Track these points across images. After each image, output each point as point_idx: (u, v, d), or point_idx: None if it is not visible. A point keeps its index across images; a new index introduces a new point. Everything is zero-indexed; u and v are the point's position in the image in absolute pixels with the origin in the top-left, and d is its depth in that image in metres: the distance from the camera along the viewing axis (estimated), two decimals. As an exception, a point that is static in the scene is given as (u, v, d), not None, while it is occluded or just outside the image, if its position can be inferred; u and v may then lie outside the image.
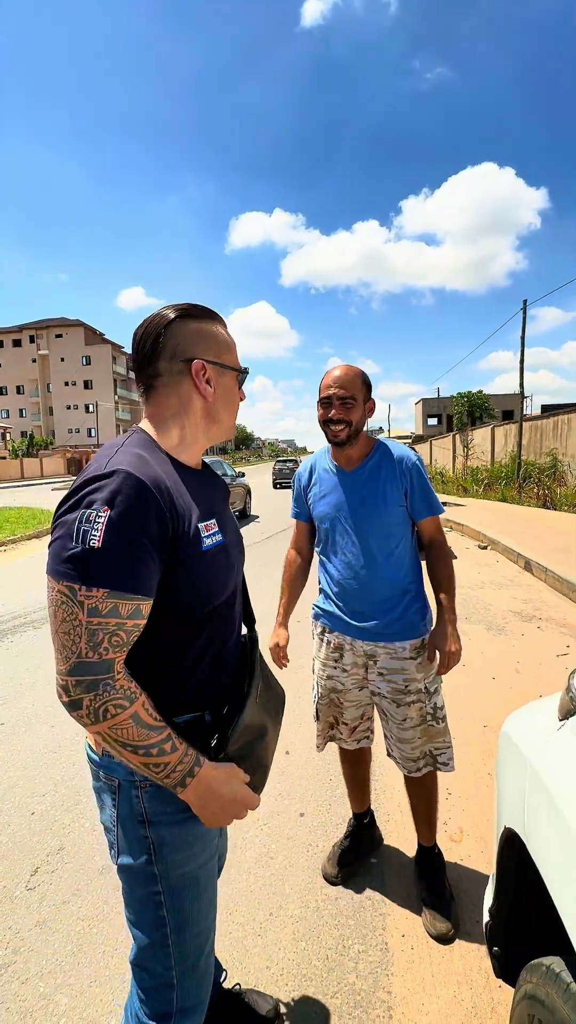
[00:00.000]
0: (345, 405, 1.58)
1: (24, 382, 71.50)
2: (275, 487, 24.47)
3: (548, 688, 3.30)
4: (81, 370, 69.59)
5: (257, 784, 1.01)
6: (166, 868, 0.91)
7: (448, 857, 1.91)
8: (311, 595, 1.84)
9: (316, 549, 1.82)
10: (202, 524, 0.91)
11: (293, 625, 2.04)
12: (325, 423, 1.62)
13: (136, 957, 0.97)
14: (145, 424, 0.97)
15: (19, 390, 72.01)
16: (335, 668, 1.74)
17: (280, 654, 1.82)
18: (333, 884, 1.81)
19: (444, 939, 1.58)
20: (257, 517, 12.92)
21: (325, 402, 1.62)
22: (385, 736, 1.76)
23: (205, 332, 0.96)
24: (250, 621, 1.22)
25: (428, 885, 1.72)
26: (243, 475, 13.69)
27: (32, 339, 70.60)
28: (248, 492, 12.99)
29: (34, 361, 70.66)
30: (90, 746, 0.96)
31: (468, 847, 1.98)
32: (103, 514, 0.76)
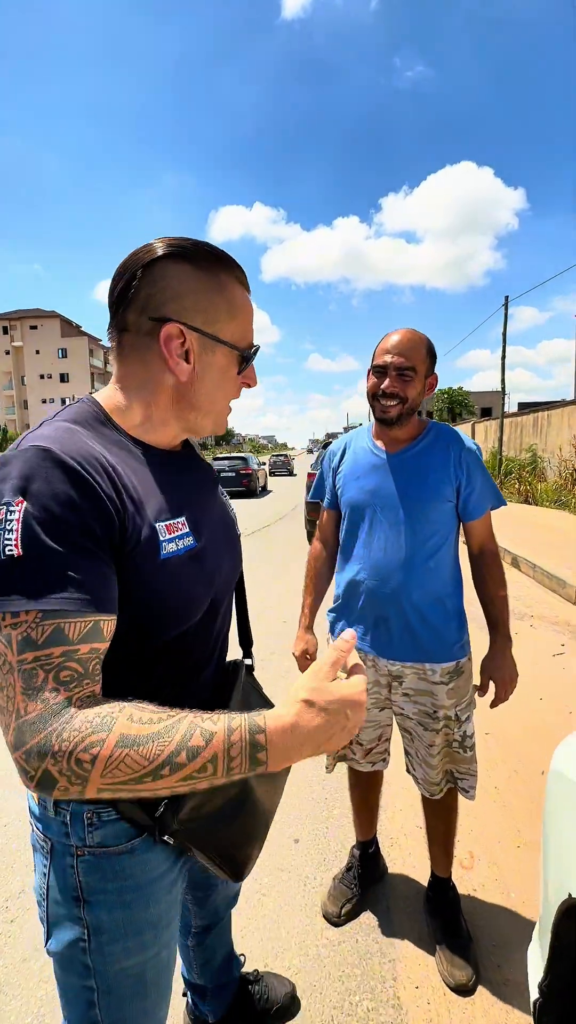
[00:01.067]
0: (403, 377, 1.34)
1: (-3, 374, 69.47)
2: (269, 475, 27.30)
3: (548, 689, 3.16)
4: (57, 363, 67.90)
5: (243, 862, 0.80)
6: (103, 961, 0.71)
7: (459, 885, 1.71)
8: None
9: (340, 540, 1.58)
10: (163, 523, 0.69)
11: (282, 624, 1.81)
12: (375, 396, 1.39)
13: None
14: (104, 391, 0.75)
15: (-8, 383, 69.94)
16: None
17: (309, 662, 1.60)
18: (335, 925, 1.61)
19: (464, 990, 1.39)
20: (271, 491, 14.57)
21: (379, 370, 1.37)
22: (407, 752, 1.55)
23: (199, 285, 0.70)
24: (246, 643, 1.04)
25: (443, 925, 1.53)
26: (264, 464, 16.07)
27: (6, 330, 68.56)
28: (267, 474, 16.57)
29: (8, 353, 68.67)
30: (30, 793, 0.72)
31: (481, 874, 1.80)
32: (16, 508, 0.55)
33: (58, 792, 0.53)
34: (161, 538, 0.67)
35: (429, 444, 1.42)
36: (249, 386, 0.82)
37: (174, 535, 0.70)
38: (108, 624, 0.60)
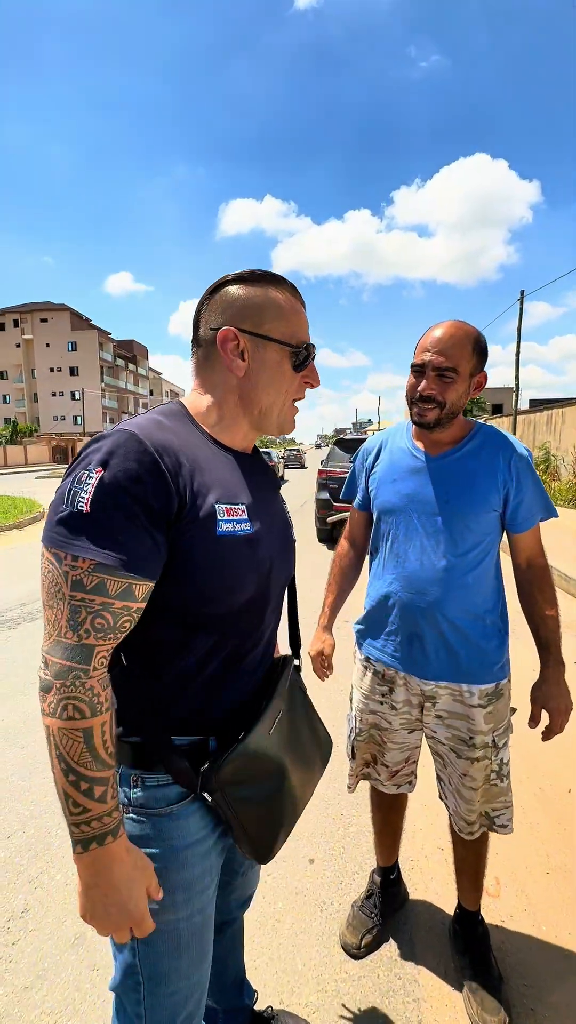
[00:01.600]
0: (443, 378, 1.22)
1: (8, 367, 69.75)
2: (284, 467, 28.88)
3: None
4: (67, 356, 68.02)
5: (270, 844, 0.86)
6: None
7: (485, 915, 1.61)
8: (359, 596, 1.52)
9: (370, 548, 1.47)
10: (223, 505, 0.77)
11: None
12: (412, 399, 1.27)
13: (113, 986, 0.84)
14: (188, 397, 0.88)
15: (3, 375, 70.28)
16: (382, 704, 1.41)
17: (323, 663, 1.51)
18: (355, 958, 1.51)
19: (496, 1036, 1.29)
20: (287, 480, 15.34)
21: (417, 370, 1.25)
22: (439, 779, 1.44)
23: (248, 297, 0.83)
24: (295, 644, 1.09)
25: (472, 963, 1.42)
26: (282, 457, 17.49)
27: (16, 323, 68.75)
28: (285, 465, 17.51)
29: (18, 346, 68.89)
30: None
31: (509, 903, 1.69)
32: (95, 475, 0.68)
33: (40, 697, 0.67)
34: (219, 517, 0.76)
35: (476, 448, 1.30)
36: (312, 385, 0.90)
37: (232, 517, 0.78)
38: (141, 587, 0.70)
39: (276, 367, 0.84)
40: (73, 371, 67.89)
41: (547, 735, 1.33)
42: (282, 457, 30.55)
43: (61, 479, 0.73)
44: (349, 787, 1.56)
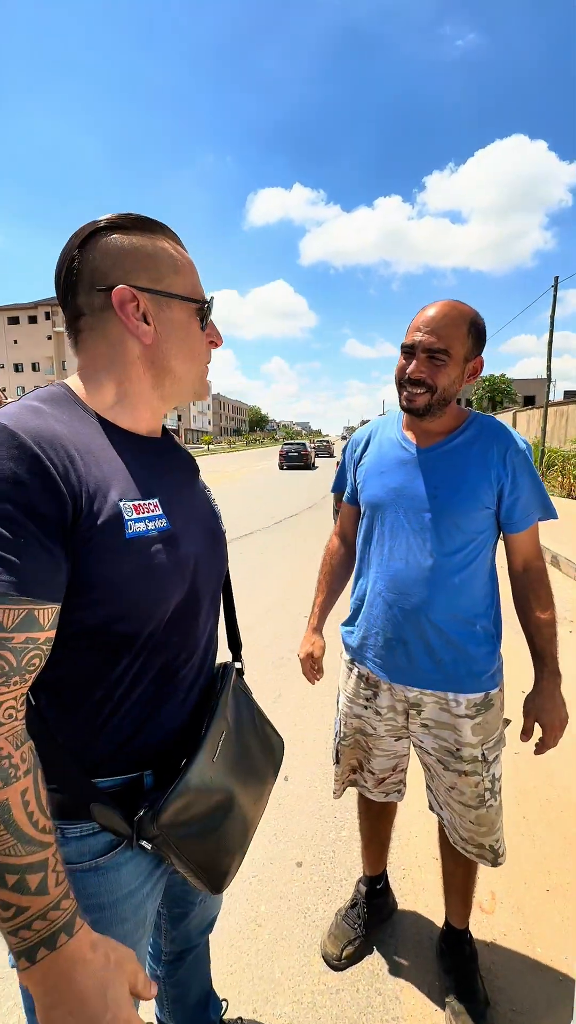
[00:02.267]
0: (433, 360, 1.12)
1: (40, 359, 71.46)
2: (281, 468, 26.06)
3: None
4: (96, 348, 69.25)
5: (223, 873, 0.78)
6: None
7: (477, 931, 1.53)
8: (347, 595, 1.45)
9: (357, 544, 1.39)
10: (129, 502, 0.66)
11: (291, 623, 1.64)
12: (400, 382, 1.18)
13: None
14: (71, 379, 0.73)
15: (35, 367, 72.05)
16: (366, 708, 1.34)
17: (313, 666, 1.45)
18: (335, 969, 1.45)
19: (477, 1065, 1.21)
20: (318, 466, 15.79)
21: (407, 351, 1.16)
22: (428, 788, 1.37)
23: (136, 247, 0.70)
24: (235, 646, 1.00)
25: (456, 985, 1.35)
26: (314, 447, 18.05)
27: (47, 316, 70.25)
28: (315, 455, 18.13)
29: (49, 338, 70.44)
30: None
31: (503, 921, 1.61)
32: None
33: None
34: (127, 516, 0.65)
35: (469, 439, 1.20)
36: (215, 344, 0.80)
37: (143, 515, 0.67)
38: (44, 612, 0.57)
39: (185, 327, 0.74)
40: (102, 362, 69.10)
41: (540, 749, 1.24)
42: (313, 447, 33.53)
43: None
44: (335, 792, 1.49)
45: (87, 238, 0.69)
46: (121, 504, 0.65)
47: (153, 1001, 1.13)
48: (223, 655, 0.91)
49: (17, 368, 72.40)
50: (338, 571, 1.51)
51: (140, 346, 0.71)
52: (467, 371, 1.17)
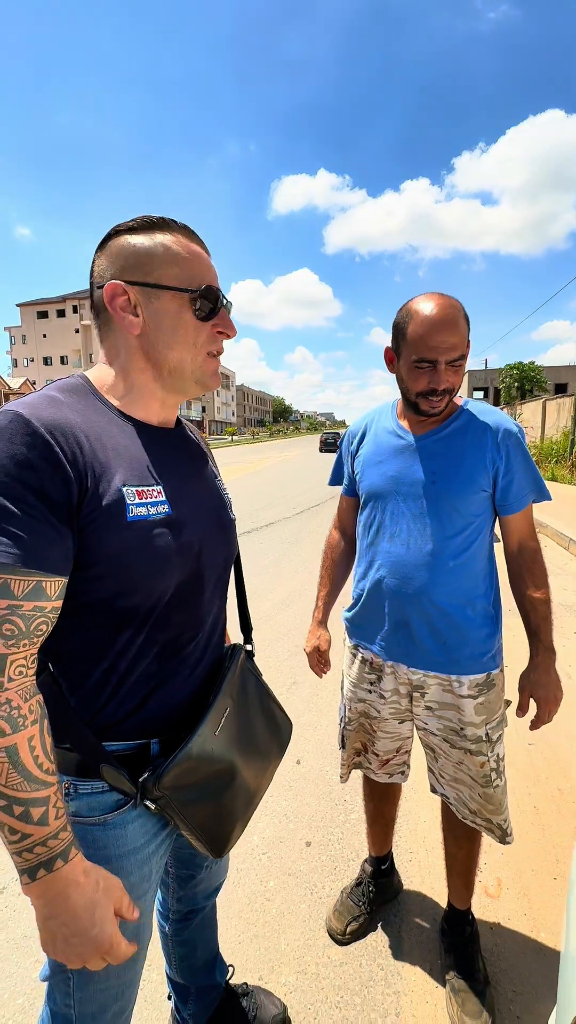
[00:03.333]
0: (454, 365, 1.13)
1: (68, 352, 72.81)
2: (321, 451, 32.46)
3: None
4: (122, 340, 70.11)
5: (224, 839, 0.84)
6: None
7: (482, 915, 1.56)
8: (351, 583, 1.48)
9: (357, 533, 1.41)
10: (132, 487, 0.71)
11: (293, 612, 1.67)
12: (422, 393, 1.16)
13: (43, 977, 0.81)
14: (92, 370, 0.80)
15: (63, 360, 73.46)
16: (370, 692, 1.37)
17: (321, 659, 1.49)
18: (339, 944, 1.50)
19: (475, 1041, 1.24)
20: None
21: (427, 364, 1.13)
22: (430, 771, 1.39)
23: (136, 246, 0.75)
24: (245, 628, 1.05)
25: (457, 963, 1.38)
26: None
27: (75, 309, 71.42)
28: None
29: (77, 332, 71.66)
30: None
31: (508, 905, 1.62)
32: None
33: None
34: (128, 501, 0.70)
35: (463, 425, 1.21)
36: (226, 335, 0.81)
37: (145, 500, 0.72)
38: (52, 583, 0.63)
39: (175, 317, 0.76)
40: (128, 355, 69.98)
41: (535, 725, 1.26)
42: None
43: None
44: (342, 777, 1.53)
45: (103, 242, 0.77)
46: (124, 489, 0.69)
47: (163, 958, 1.20)
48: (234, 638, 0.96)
49: (46, 362, 73.96)
50: (339, 564, 1.54)
51: (133, 338, 0.76)
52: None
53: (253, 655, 1.01)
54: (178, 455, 0.84)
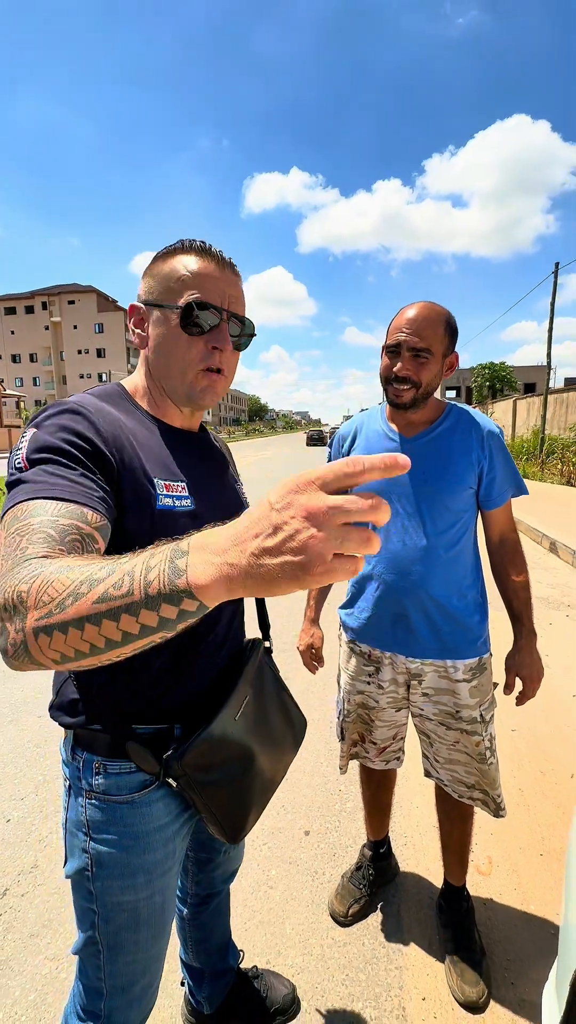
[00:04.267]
0: (417, 359, 1.22)
1: (37, 350, 71.05)
2: (307, 445, 38.04)
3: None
4: (94, 338, 68.79)
5: (240, 825, 0.88)
6: (102, 890, 0.81)
7: (475, 892, 1.64)
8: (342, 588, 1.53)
9: None
10: (161, 480, 0.77)
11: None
12: (387, 379, 1.27)
13: (76, 951, 0.87)
14: (128, 379, 0.89)
15: (32, 358, 71.66)
16: (368, 684, 1.43)
17: (313, 657, 1.54)
18: (342, 925, 1.56)
19: (474, 1007, 1.32)
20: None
21: (392, 350, 1.25)
22: (425, 757, 1.47)
23: (154, 269, 0.83)
24: (264, 627, 1.10)
25: (455, 936, 1.45)
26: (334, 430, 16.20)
27: (44, 306, 69.75)
28: None
29: (47, 328, 70.00)
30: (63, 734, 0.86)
31: (499, 881, 1.71)
32: (28, 434, 0.68)
33: (10, 651, 0.48)
34: (158, 491, 0.75)
35: (449, 427, 1.31)
36: (219, 349, 0.81)
37: (171, 493, 0.77)
38: (95, 515, 0.62)
39: (166, 332, 0.81)
40: (100, 353, 68.69)
41: (521, 700, 1.37)
42: (329, 431, 41.02)
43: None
44: (341, 768, 1.59)
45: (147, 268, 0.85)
46: (155, 480, 0.76)
47: (178, 943, 1.24)
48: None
49: (15, 359, 72.00)
50: None
51: (143, 351, 0.85)
52: (444, 366, 1.27)
53: (271, 651, 1.05)
54: (200, 456, 0.90)
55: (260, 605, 1.11)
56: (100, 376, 67.06)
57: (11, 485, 0.64)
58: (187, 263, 0.80)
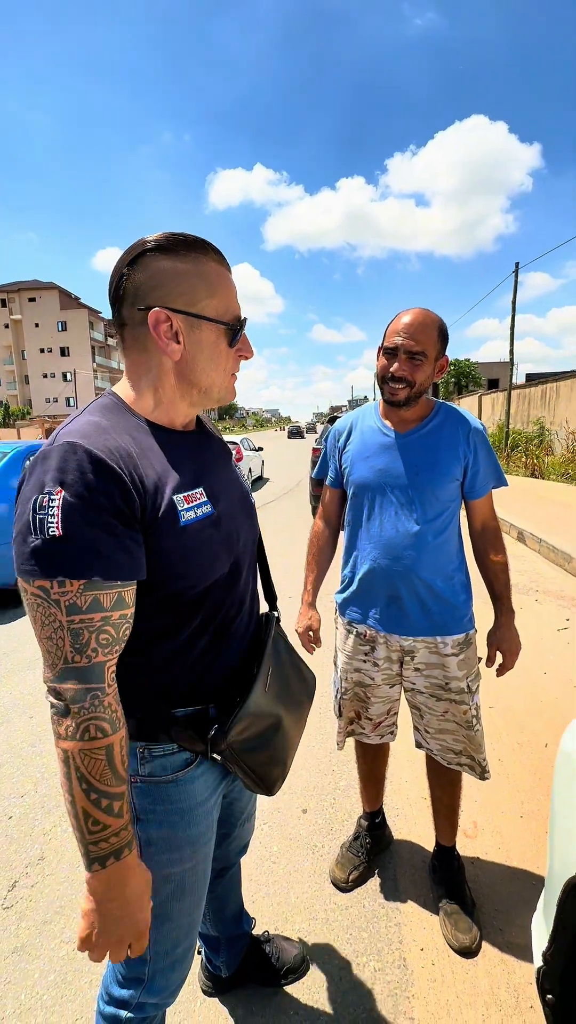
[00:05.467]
0: (413, 361, 1.33)
1: (-3, 349, 68.64)
2: (288, 438, 41.02)
3: (552, 663, 3.19)
4: (57, 336, 66.92)
5: (274, 779, 0.97)
6: (151, 866, 0.84)
7: (463, 852, 1.77)
8: (336, 569, 1.63)
9: (346, 521, 1.59)
10: (181, 495, 0.79)
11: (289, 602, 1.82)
12: (384, 378, 1.37)
13: None
14: (120, 383, 0.86)
15: (-9, 357, 69.18)
16: (365, 662, 1.54)
17: (311, 639, 1.63)
18: (343, 891, 1.67)
19: (468, 952, 1.45)
20: (269, 479, 14.73)
21: (389, 352, 1.36)
22: (416, 728, 1.59)
23: (177, 271, 0.77)
24: (271, 598, 1.15)
25: (448, 891, 1.58)
26: (260, 449, 15.47)
27: (4, 303, 67.39)
28: (262, 462, 15.50)
29: (7, 327, 67.69)
30: None
31: (485, 843, 1.85)
32: (56, 497, 0.66)
33: (57, 724, 0.68)
34: (179, 508, 0.77)
35: (439, 424, 1.42)
36: (246, 357, 0.87)
37: (192, 504, 0.80)
38: (129, 592, 0.72)
39: (213, 347, 0.81)
40: (64, 352, 66.89)
41: (501, 671, 1.51)
42: (307, 425, 43.54)
43: (16, 502, 0.71)
44: (338, 744, 1.69)
45: (137, 257, 0.76)
46: (174, 498, 0.77)
47: None
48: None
49: (-27, 358, 69.36)
50: (325, 551, 1.70)
51: (170, 361, 0.80)
52: (436, 368, 1.39)
53: (280, 619, 1.11)
54: (207, 454, 0.91)
55: (265, 577, 1.15)
56: (64, 375, 65.30)
57: (45, 553, 0.64)
58: (218, 273, 0.80)
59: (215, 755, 0.86)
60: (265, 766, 0.93)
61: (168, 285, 0.77)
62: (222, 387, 0.85)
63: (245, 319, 0.84)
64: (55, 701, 0.68)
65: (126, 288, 0.77)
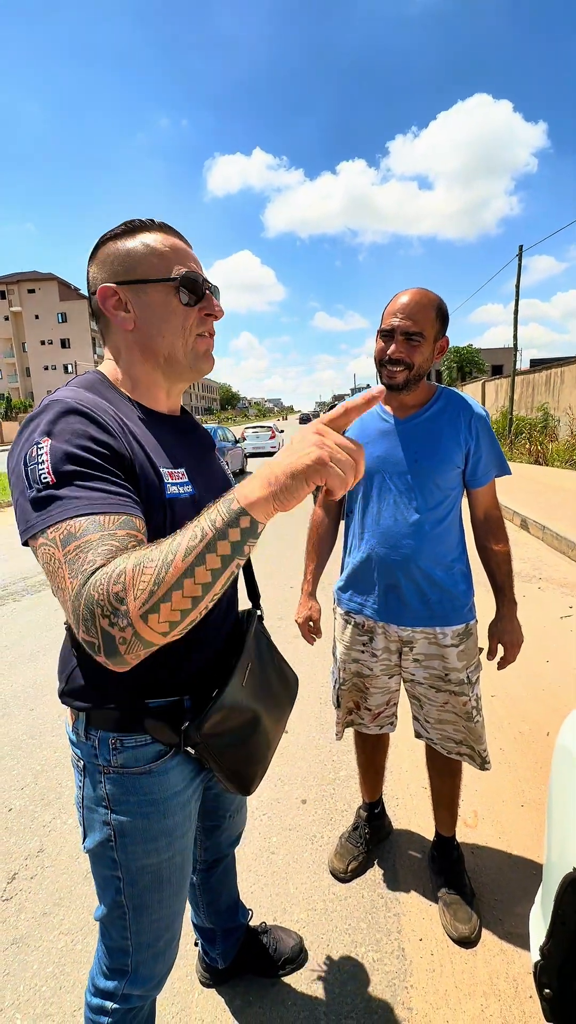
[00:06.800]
0: (410, 342, 1.29)
1: (-3, 341, 68.42)
2: (300, 423, 37.24)
3: (555, 651, 3.16)
4: (57, 328, 66.58)
5: (251, 778, 0.95)
6: (126, 857, 0.86)
7: (463, 842, 1.76)
8: (337, 559, 1.60)
9: (346, 509, 1.55)
10: (165, 469, 0.78)
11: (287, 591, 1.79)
12: (381, 361, 1.33)
13: (99, 917, 0.93)
14: (104, 367, 0.86)
15: (-8, 350, 68.99)
16: (363, 652, 1.52)
17: (311, 629, 1.61)
18: (342, 881, 1.66)
19: (467, 942, 1.44)
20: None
21: (385, 334, 1.31)
22: (415, 719, 1.57)
23: (119, 250, 0.81)
24: (253, 596, 1.13)
25: (447, 881, 1.57)
26: (283, 431, 15.56)
27: (3, 295, 67.03)
28: (245, 456, 15.64)
29: (7, 319, 67.40)
30: (67, 720, 0.90)
31: (484, 832, 1.84)
32: (44, 446, 0.65)
33: (123, 649, 0.57)
34: (165, 480, 0.76)
35: (440, 410, 1.38)
36: (213, 316, 0.85)
37: (175, 480, 0.79)
38: (140, 522, 0.67)
39: (162, 306, 0.80)
40: (65, 343, 66.59)
41: (502, 664, 1.49)
42: (313, 414, 41.39)
43: (7, 461, 0.71)
44: (336, 734, 1.67)
45: (93, 252, 0.82)
46: (161, 470, 0.77)
47: (189, 908, 1.30)
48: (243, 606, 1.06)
49: (-26, 351, 69.19)
50: (325, 540, 1.67)
51: (129, 334, 0.81)
52: (436, 349, 1.34)
53: (263, 618, 1.10)
54: (189, 440, 0.91)
55: (248, 574, 1.13)
56: (66, 367, 65.04)
57: (42, 501, 0.63)
58: (158, 239, 0.81)
59: (188, 748, 0.85)
60: (241, 763, 0.91)
61: (114, 264, 0.80)
62: (186, 350, 0.83)
63: (203, 278, 0.83)
64: (94, 648, 0.58)
65: (89, 283, 0.83)
